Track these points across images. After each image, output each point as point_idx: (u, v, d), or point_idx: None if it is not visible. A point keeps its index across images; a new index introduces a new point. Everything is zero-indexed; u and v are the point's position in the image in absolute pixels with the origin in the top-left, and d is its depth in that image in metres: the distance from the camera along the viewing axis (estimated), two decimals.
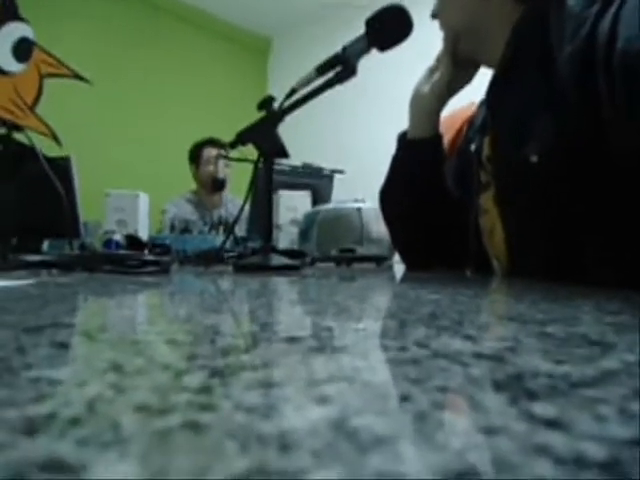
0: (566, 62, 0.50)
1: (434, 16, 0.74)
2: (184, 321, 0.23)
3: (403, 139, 0.81)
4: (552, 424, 0.10)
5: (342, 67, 0.78)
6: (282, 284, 0.51)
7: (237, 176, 2.33)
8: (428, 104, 0.77)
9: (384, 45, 0.76)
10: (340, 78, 0.78)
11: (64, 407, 0.10)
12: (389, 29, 0.76)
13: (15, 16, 2.45)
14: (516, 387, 0.12)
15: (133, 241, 1.10)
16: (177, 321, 0.23)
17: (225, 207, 2.31)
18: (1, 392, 0.11)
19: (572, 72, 0.49)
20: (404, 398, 0.11)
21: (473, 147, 0.74)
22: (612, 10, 0.45)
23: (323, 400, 0.11)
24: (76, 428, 0.09)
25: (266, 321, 0.24)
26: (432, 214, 0.78)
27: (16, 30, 2.49)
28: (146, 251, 1.13)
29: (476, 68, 0.74)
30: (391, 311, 0.30)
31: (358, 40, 0.76)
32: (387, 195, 0.84)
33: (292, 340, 0.18)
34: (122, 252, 0.85)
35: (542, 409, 0.10)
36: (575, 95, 0.49)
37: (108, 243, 1.05)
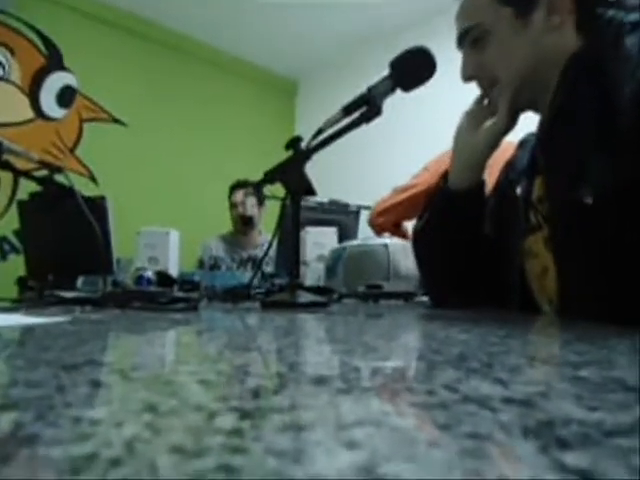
0: (625, 104, 0.49)
1: (469, 79, 0.72)
2: (214, 361, 0.24)
3: (439, 188, 0.79)
4: (584, 475, 0.09)
5: (367, 107, 0.80)
6: (309, 321, 0.51)
7: (271, 216, 2.37)
8: (479, 154, 0.73)
9: (408, 86, 0.78)
10: (366, 118, 0.79)
11: (104, 447, 0.11)
12: (413, 70, 0.78)
13: (59, 66, 2.61)
14: (547, 435, 0.12)
15: (163, 277, 1.13)
16: (207, 360, 0.24)
17: (260, 247, 2.33)
18: (47, 431, 0.12)
19: (632, 114, 0.48)
20: (432, 444, 0.11)
21: (519, 190, 0.72)
22: None
23: (352, 445, 0.11)
24: (116, 468, 0.10)
25: (294, 361, 0.25)
26: (467, 257, 0.76)
27: (60, 79, 2.64)
28: (176, 287, 1.16)
29: (523, 112, 0.72)
30: (419, 351, 0.30)
31: (383, 81, 0.79)
32: (423, 238, 0.82)
33: (320, 381, 0.18)
34: (152, 289, 0.87)
35: (574, 459, 0.10)
36: (635, 137, 0.48)
37: (139, 280, 1.07)
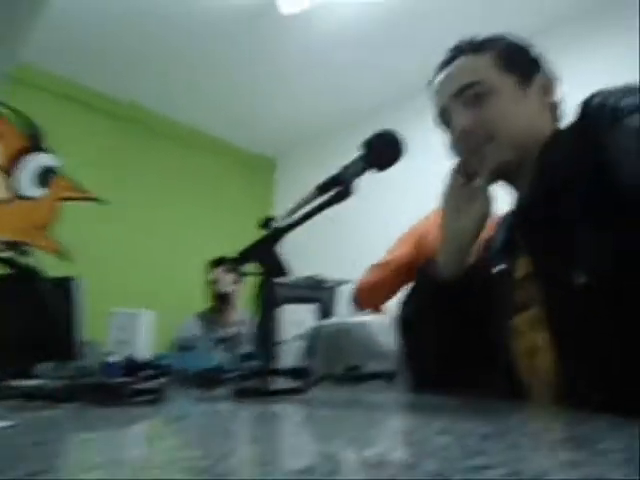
0: (628, 181, 0.49)
1: (465, 130, 0.68)
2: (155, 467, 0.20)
3: (427, 275, 0.76)
4: None
5: (340, 187, 0.80)
6: (281, 419, 0.47)
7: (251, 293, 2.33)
8: (469, 238, 0.71)
9: (379, 166, 0.79)
10: (338, 198, 0.80)
11: None
12: (383, 152, 0.79)
13: (38, 147, 2.64)
14: None
15: (131, 364, 1.06)
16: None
17: (238, 325, 2.27)
18: None
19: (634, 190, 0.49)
20: None
21: (497, 269, 0.71)
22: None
23: None
24: None
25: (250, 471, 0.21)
26: (456, 340, 0.72)
27: (39, 160, 2.67)
28: (144, 373, 1.09)
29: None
30: (388, 471, 0.26)
31: (355, 161, 0.80)
32: (412, 325, 0.78)
33: None
34: (113, 380, 0.81)
35: None
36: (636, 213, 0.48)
37: (105, 367, 1.01)
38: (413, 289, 0.81)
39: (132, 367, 1.05)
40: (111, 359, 1.02)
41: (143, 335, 1.33)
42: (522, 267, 0.66)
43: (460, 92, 0.69)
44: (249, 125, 3.64)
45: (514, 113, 0.67)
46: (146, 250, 3.20)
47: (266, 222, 0.85)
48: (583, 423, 0.38)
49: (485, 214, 0.69)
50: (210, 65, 2.97)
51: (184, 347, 1.33)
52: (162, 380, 0.91)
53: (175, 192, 3.51)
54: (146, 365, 1.12)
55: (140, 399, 0.65)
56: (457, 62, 0.71)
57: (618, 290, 0.49)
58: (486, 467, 0.24)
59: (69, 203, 2.09)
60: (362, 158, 0.80)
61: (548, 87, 0.69)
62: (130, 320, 1.30)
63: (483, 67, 0.69)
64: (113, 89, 3.19)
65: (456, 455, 0.26)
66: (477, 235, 0.71)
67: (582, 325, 0.54)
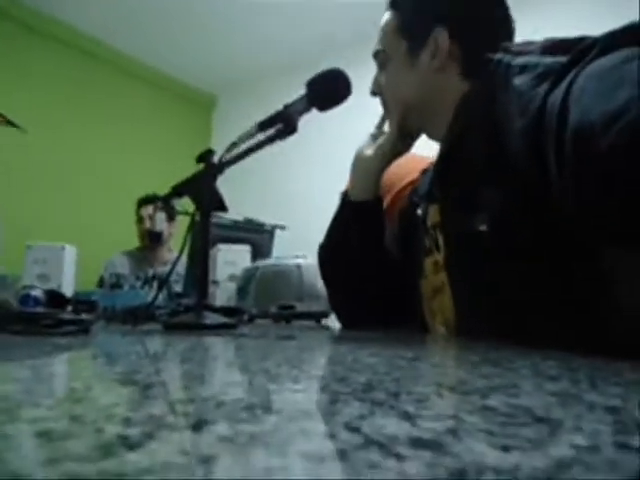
0: (517, 136, 0.51)
1: (374, 94, 0.78)
2: (75, 400, 0.19)
3: (344, 199, 0.82)
4: None
5: (283, 124, 0.78)
6: (212, 346, 0.47)
7: (183, 232, 2.26)
8: (371, 168, 0.79)
9: (323, 106, 0.78)
10: (281, 135, 0.78)
11: None
12: (328, 91, 0.78)
13: None
14: None
15: (54, 297, 1.01)
16: (67, 400, 0.20)
17: (168, 264, 2.22)
18: None
19: (523, 146, 0.50)
20: None
21: (419, 212, 0.75)
22: (563, 86, 0.45)
23: None
24: None
25: (175, 397, 0.21)
26: (370, 274, 0.78)
27: None
28: (69, 308, 1.04)
29: (417, 137, 0.78)
30: (324, 380, 0.27)
31: (299, 100, 0.78)
32: (327, 253, 0.84)
33: (199, 427, 0.15)
34: (36, 310, 0.77)
35: None
36: (526, 168, 0.50)
37: (25, 299, 0.96)
38: (332, 221, 0.85)
39: (55, 301, 1.01)
40: (32, 292, 0.97)
41: (66, 270, 1.26)
42: (434, 214, 0.70)
43: (374, 57, 0.77)
44: (191, 59, 3.43)
45: (400, 81, 0.73)
46: (73, 182, 3.00)
47: (204, 156, 0.82)
48: (494, 350, 0.42)
49: (386, 151, 0.78)
50: None
51: (114, 284, 1.28)
52: (87, 316, 0.88)
53: (109, 122, 3.28)
54: (70, 300, 1.07)
55: (63, 330, 0.63)
56: (383, 17, 0.76)
57: (511, 238, 0.53)
58: (411, 379, 0.26)
59: None
60: (306, 96, 0.78)
61: (437, 50, 0.68)
62: (52, 254, 1.23)
63: (388, 31, 0.74)
64: (47, 6, 2.87)
65: (385, 371, 0.28)
66: (379, 168, 0.79)
67: (479, 271, 0.59)
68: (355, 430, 0.15)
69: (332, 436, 0.14)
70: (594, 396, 0.21)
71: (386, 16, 0.75)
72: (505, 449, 0.13)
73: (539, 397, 0.21)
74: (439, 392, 0.23)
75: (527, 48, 0.58)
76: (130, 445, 0.13)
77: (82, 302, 1.07)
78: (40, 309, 0.94)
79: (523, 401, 0.20)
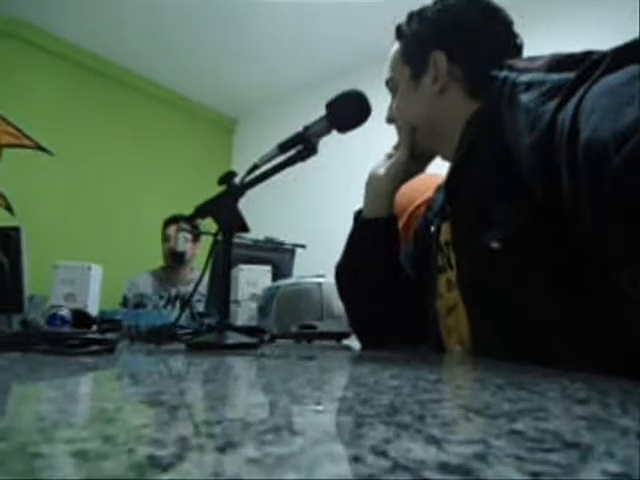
0: (526, 152, 0.51)
1: (389, 121, 0.81)
2: (105, 421, 0.20)
3: (358, 217, 0.84)
4: None
5: (303, 146, 0.79)
6: (235, 366, 0.47)
7: (206, 252, 2.30)
8: (383, 186, 0.80)
9: (343, 127, 0.79)
10: (301, 156, 0.79)
11: None
12: (348, 113, 0.79)
13: None
14: None
15: (81, 316, 1.03)
16: (96, 421, 0.20)
17: (191, 284, 2.25)
18: None
19: (533, 161, 0.50)
20: None
21: (433, 229, 0.76)
22: (572, 102, 0.45)
23: None
24: None
25: (203, 419, 0.21)
26: (386, 292, 0.78)
27: None
28: (94, 327, 1.06)
29: (431, 158, 0.79)
30: (348, 402, 0.27)
31: (319, 121, 0.79)
32: (342, 271, 0.85)
33: (226, 449, 0.15)
34: (62, 330, 0.79)
35: None
36: (537, 184, 0.50)
37: (52, 319, 0.98)
38: (347, 239, 0.86)
39: (81, 320, 1.02)
40: (59, 312, 0.99)
41: (92, 289, 1.29)
42: (446, 231, 0.70)
43: (386, 85, 0.81)
44: (212, 83, 3.53)
45: (407, 105, 0.76)
46: (98, 204, 3.08)
47: (226, 177, 0.83)
48: (519, 373, 0.41)
49: (398, 169, 0.79)
50: (176, 21, 2.85)
51: (138, 304, 1.30)
52: (112, 335, 0.89)
53: (135, 144, 3.37)
54: (96, 319, 1.09)
55: (88, 349, 0.64)
56: (392, 47, 0.80)
57: (524, 255, 0.53)
58: (436, 401, 0.26)
59: (15, 151, 1.96)
60: (326, 117, 0.79)
61: (437, 74, 0.69)
62: (79, 274, 1.26)
63: (395, 59, 0.78)
64: (75, 36, 3.00)
65: (408, 392, 0.27)
66: (392, 186, 0.80)
67: (491, 289, 0.58)
68: (382, 454, 0.15)
69: (359, 459, 0.14)
70: (626, 420, 0.20)
71: (394, 46, 0.79)
72: (535, 475, 0.13)
73: (568, 421, 0.21)
74: (465, 415, 0.23)
75: (532, 64, 0.57)
76: (161, 466, 0.13)
77: (107, 321, 1.09)
78: (67, 328, 0.96)
79: (551, 425, 0.20)
